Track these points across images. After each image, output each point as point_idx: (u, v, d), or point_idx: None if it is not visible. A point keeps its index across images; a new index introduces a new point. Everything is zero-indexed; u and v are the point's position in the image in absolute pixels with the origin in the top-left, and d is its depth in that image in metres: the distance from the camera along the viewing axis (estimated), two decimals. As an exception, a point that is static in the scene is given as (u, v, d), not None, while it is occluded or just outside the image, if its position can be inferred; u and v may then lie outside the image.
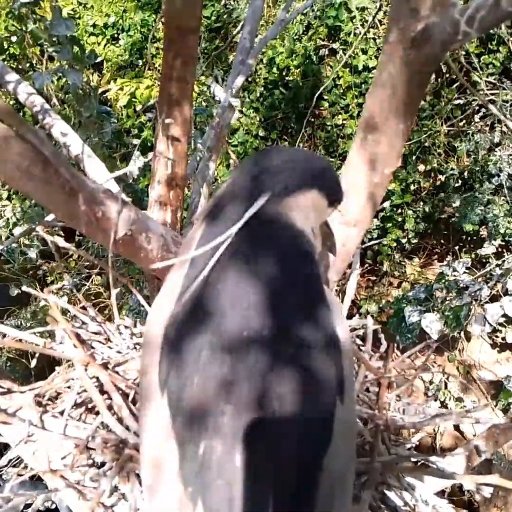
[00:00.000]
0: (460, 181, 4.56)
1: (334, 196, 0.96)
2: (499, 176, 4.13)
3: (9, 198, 4.50)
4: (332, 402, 0.75)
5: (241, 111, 4.46)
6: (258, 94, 4.85)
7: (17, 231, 3.74)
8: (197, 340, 0.74)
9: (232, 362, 0.71)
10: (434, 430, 4.17)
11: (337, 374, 0.77)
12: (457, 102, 4.34)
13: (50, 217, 1.74)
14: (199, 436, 0.69)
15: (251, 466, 0.68)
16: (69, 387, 1.23)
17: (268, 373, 0.71)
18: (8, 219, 3.81)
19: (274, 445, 0.70)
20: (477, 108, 4.44)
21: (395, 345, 3.70)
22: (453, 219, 4.60)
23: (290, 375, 0.72)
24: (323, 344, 0.77)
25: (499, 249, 4.27)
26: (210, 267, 0.76)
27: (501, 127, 4.19)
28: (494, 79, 4.27)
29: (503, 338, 4.17)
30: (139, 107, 4.61)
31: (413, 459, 1.22)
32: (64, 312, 1.39)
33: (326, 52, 4.80)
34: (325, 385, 0.75)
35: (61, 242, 1.61)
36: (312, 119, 4.50)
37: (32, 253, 3.82)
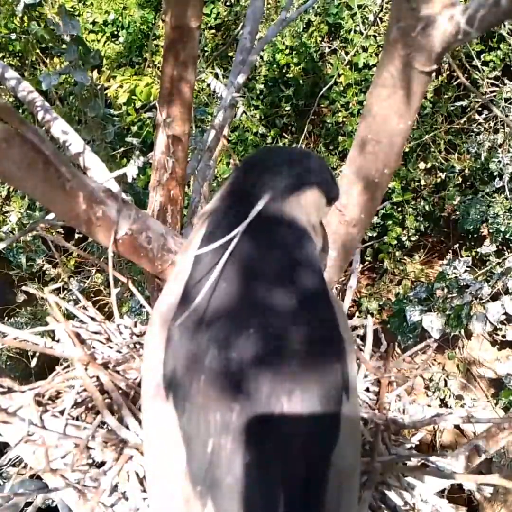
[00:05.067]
0: (460, 179, 4.55)
1: (332, 193, 0.97)
2: (501, 177, 4.12)
3: (8, 197, 4.50)
4: (339, 398, 0.75)
5: (244, 112, 4.47)
6: (258, 92, 4.84)
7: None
8: (203, 339, 0.73)
9: (239, 360, 0.71)
10: (434, 428, 4.18)
11: (342, 371, 0.77)
12: (461, 103, 4.34)
13: (50, 216, 1.74)
14: (207, 435, 0.69)
15: (260, 464, 0.68)
16: (69, 387, 1.23)
17: (276, 370, 0.72)
18: (15, 224, 3.81)
19: (283, 442, 0.70)
20: (480, 109, 4.44)
21: (397, 344, 3.70)
22: (453, 217, 4.60)
23: (297, 371, 0.72)
24: (328, 341, 0.78)
25: (500, 248, 4.27)
26: (219, 269, 0.76)
27: (504, 129, 4.19)
28: (495, 78, 4.26)
29: (503, 336, 4.18)
30: (139, 105, 4.61)
31: (413, 459, 1.22)
32: (70, 317, 1.39)
33: (327, 50, 4.80)
34: (331, 381, 0.75)
35: (62, 241, 1.61)
36: (312, 117, 4.50)
37: (38, 259, 3.82)
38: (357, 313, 4.55)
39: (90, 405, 1.22)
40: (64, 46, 2.16)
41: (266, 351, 0.73)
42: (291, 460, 0.69)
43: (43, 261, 4.08)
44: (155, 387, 0.78)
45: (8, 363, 4.04)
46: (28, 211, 3.90)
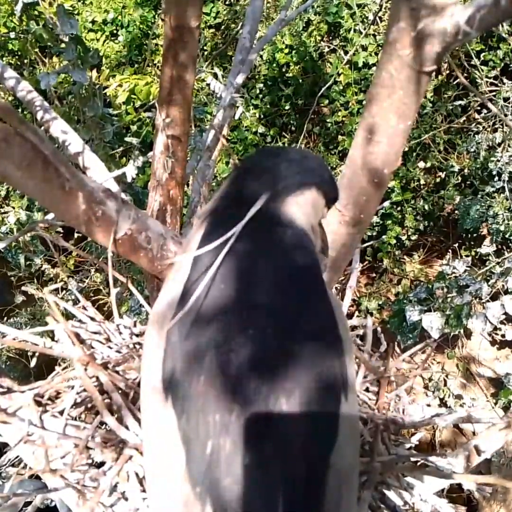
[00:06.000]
0: (460, 178, 4.55)
1: (331, 194, 0.97)
2: (500, 176, 4.12)
3: (7, 196, 4.49)
4: (338, 399, 0.75)
5: (243, 111, 4.47)
6: (258, 91, 4.84)
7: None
8: (202, 340, 0.73)
9: (238, 361, 0.71)
10: (434, 427, 4.18)
11: (340, 371, 0.77)
12: (459, 102, 4.34)
13: (49, 216, 1.74)
14: (206, 436, 0.69)
15: (259, 465, 0.68)
16: (68, 387, 1.23)
17: (275, 371, 0.71)
18: (13, 224, 3.79)
19: (282, 443, 0.70)
20: (479, 108, 4.44)
21: (396, 344, 3.70)
22: (453, 216, 4.60)
23: (296, 372, 0.72)
24: (327, 341, 0.78)
25: (499, 247, 4.27)
26: (215, 268, 0.76)
27: (502, 128, 4.19)
28: (495, 77, 4.26)
29: (503, 336, 4.18)
30: (138, 104, 4.61)
31: (412, 459, 1.22)
32: (69, 317, 1.39)
33: (326, 49, 4.79)
34: (330, 381, 0.75)
35: (61, 241, 1.61)
36: (312, 116, 4.50)
37: (37, 259, 3.81)
38: (356, 313, 4.55)
39: (89, 405, 1.21)
40: (63, 45, 2.16)
41: (264, 351, 0.73)
42: (290, 460, 0.69)
43: (42, 261, 4.08)
44: (154, 388, 0.78)
45: (7, 363, 4.04)
46: (27, 212, 3.89)
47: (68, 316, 1.42)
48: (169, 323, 0.78)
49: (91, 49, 2.29)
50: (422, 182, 4.57)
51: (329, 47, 4.79)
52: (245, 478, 0.67)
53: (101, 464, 1.13)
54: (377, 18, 4.44)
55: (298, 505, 0.68)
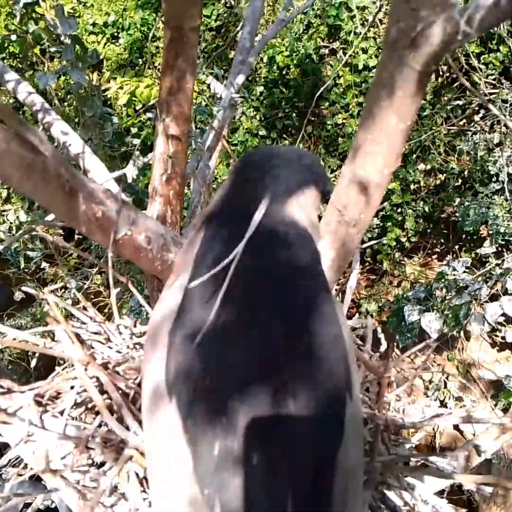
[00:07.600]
0: (460, 180, 4.56)
1: (326, 188, 0.98)
2: (498, 176, 4.13)
3: (8, 198, 4.49)
4: (343, 398, 0.75)
5: (244, 113, 4.49)
6: (258, 93, 4.85)
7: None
8: (206, 341, 0.73)
9: (244, 361, 0.72)
10: (434, 430, 4.17)
11: (345, 371, 0.77)
12: (457, 102, 4.35)
13: (50, 217, 1.74)
14: (213, 437, 0.69)
15: (268, 465, 0.68)
16: (69, 387, 1.23)
17: (281, 371, 0.72)
18: (11, 223, 3.80)
19: (289, 443, 0.70)
20: (477, 108, 4.45)
21: (395, 344, 3.70)
22: (453, 218, 4.60)
23: (302, 372, 0.73)
24: (332, 341, 0.78)
25: (499, 249, 4.27)
26: (224, 287, 0.76)
27: (500, 128, 4.20)
28: (494, 79, 4.27)
29: (503, 338, 4.18)
30: (139, 106, 4.61)
31: (413, 459, 1.22)
32: (68, 316, 1.38)
33: (326, 51, 4.80)
34: (336, 381, 0.76)
35: (61, 242, 1.61)
36: (312, 118, 4.51)
37: (36, 256, 3.81)
38: (356, 315, 4.55)
39: (90, 405, 1.21)
40: (61, 45, 2.16)
41: (271, 352, 0.73)
42: (298, 460, 0.69)
43: (41, 260, 4.08)
44: (157, 390, 0.77)
45: (8, 367, 4.03)
46: (27, 210, 3.90)
47: (68, 316, 1.42)
48: (172, 326, 0.79)
49: (90, 48, 2.30)
50: (422, 184, 4.58)
51: (327, 47, 4.80)
52: (254, 479, 0.67)
53: (102, 464, 1.13)
54: (377, 20, 4.45)
55: (307, 504, 0.68)
